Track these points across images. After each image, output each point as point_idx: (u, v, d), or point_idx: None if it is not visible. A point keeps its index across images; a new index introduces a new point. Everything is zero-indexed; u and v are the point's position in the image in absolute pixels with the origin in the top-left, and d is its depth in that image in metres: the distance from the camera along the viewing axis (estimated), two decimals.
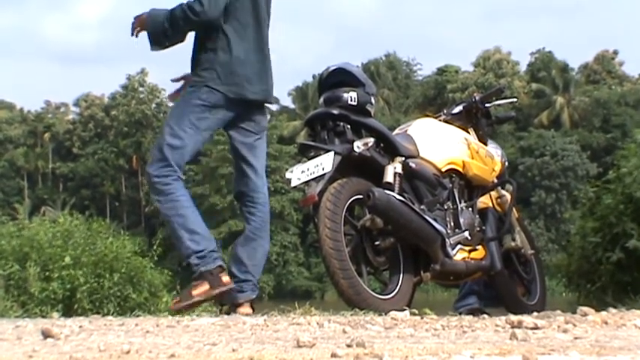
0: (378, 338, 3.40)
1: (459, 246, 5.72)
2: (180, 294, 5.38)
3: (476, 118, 6.51)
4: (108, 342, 3.28)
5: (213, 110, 5.39)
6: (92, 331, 3.93)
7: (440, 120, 6.43)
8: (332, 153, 5.22)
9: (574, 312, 4.56)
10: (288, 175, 5.44)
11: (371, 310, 4.80)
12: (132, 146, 78.30)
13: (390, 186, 5.37)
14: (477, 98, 6.54)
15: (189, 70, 5.59)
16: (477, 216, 6.10)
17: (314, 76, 70.99)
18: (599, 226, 8.09)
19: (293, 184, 5.37)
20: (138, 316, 5.24)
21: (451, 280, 5.95)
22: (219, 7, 5.31)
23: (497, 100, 6.66)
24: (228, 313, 5.23)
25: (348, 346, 3.00)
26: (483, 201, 6.26)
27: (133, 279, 9.50)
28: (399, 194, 5.35)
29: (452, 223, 5.80)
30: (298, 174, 5.34)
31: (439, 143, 5.97)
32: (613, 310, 4.92)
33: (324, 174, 5.17)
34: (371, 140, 5.38)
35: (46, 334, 3.53)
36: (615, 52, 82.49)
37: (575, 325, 3.88)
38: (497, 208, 6.37)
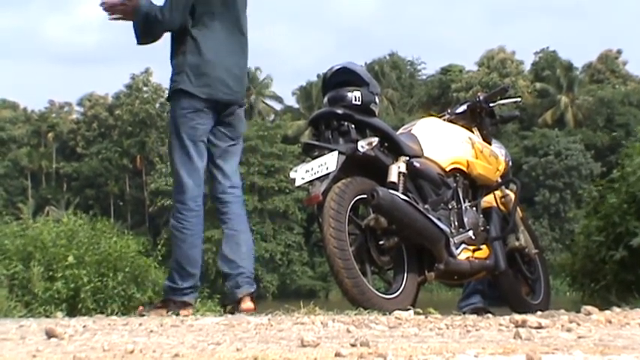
0: (382, 337, 3.40)
1: (463, 245, 5.72)
2: (147, 306, 5.81)
3: (480, 118, 6.51)
4: (112, 342, 3.28)
5: (200, 114, 5.51)
6: (96, 330, 3.93)
7: (444, 119, 6.43)
8: (336, 152, 5.22)
9: (578, 311, 4.56)
10: (292, 174, 5.45)
11: (375, 309, 4.80)
12: (136, 146, 78.31)
13: (394, 185, 5.37)
14: (481, 98, 6.54)
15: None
16: (481, 215, 6.10)
17: (318, 76, 70.88)
18: (603, 225, 8.07)
19: (297, 183, 5.37)
20: (142, 315, 5.24)
21: (455, 279, 5.95)
22: (176, 20, 5.48)
23: (501, 99, 6.66)
24: (232, 313, 5.27)
25: (352, 345, 3.00)
26: (487, 200, 6.26)
27: (137, 278, 9.50)
28: (403, 194, 5.35)
29: (456, 223, 5.80)
30: (302, 173, 5.34)
31: (443, 143, 5.97)
32: (617, 309, 4.92)
33: (329, 173, 5.17)
34: (375, 140, 5.38)
35: (50, 334, 3.53)
36: (619, 52, 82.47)
37: (579, 324, 3.87)
38: (502, 207, 6.37)
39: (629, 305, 5.78)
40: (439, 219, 5.53)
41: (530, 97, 74.32)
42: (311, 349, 2.96)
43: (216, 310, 6.05)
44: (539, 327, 3.74)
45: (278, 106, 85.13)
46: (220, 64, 5.53)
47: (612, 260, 7.61)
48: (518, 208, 6.41)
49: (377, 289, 5.20)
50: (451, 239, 5.57)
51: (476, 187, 6.17)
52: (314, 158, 5.35)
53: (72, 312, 8.28)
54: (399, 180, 5.42)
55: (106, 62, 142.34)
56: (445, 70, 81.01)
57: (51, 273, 8.94)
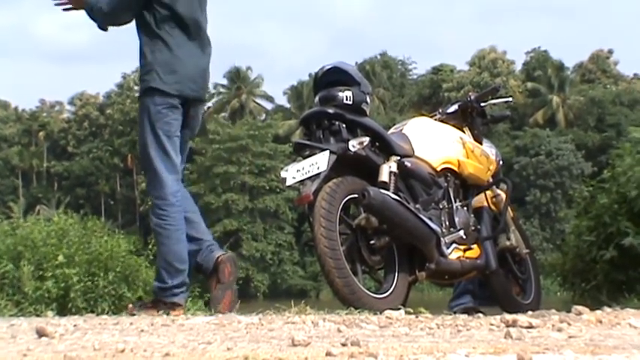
0: (373, 337, 3.40)
1: (454, 245, 5.73)
2: (136, 304, 5.71)
3: (471, 118, 6.51)
4: (102, 341, 3.28)
5: (173, 109, 5.55)
6: (87, 330, 3.93)
7: (435, 119, 6.43)
8: (327, 152, 5.22)
9: (569, 311, 4.57)
10: (283, 174, 5.44)
11: (366, 309, 4.80)
12: (127, 145, 78.19)
13: (385, 185, 5.37)
14: (473, 97, 6.55)
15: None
16: (472, 215, 6.10)
17: (309, 75, 70.91)
18: (594, 225, 8.10)
19: (288, 183, 5.37)
20: (133, 314, 5.24)
21: (446, 279, 5.95)
22: (120, 18, 5.70)
23: (492, 99, 6.67)
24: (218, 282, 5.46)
25: (343, 344, 3.00)
26: (478, 200, 6.26)
27: (127, 278, 9.47)
28: (394, 193, 5.35)
29: (447, 222, 5.81)
30: (293, 173, 5.34)
31: (434, 142, 5.98)
32: (607, 309, 4.93)
33: (320, 173, 5.17)
34: (366, 139, 5.38)
35: (41, 333, 3.52)
36: (610, 52, 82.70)
37: (569, 324, 3.88)
38: (493, 207, 6.37)
39: (619, 305, 5.79)
40: (430, 219, 5.53)
41: (522, 96, 74.42)
42: (302, 348, 2.96)
43: (207, 310, 6.03)
44: (530, 327, 3.75)
45: (269, 106, 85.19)
46: (188, 62, 5.59)
47: (603, 260, 7.64)
48: (509, 208, 6.42)
49: (368, 289, 5.21)
50: (442, 239, 5.57)
51: (467, 186, 6.17)
52: (305, 158, 5.35)
53: (62, 311, 8.26)
54: (390, 179, 5.42)
55: (97, 61, 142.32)
56: (436, 70, 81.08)
57: (41, 272, 8.91)
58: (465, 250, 5.81)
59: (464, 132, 6.36)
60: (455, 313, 5.25)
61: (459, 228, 5.82)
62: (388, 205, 5.23)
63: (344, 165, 5.32)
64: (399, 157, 5.58)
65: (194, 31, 5.64)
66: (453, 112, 6.53)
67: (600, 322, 4.10)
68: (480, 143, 6.43)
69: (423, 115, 6.55)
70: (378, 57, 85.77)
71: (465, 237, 5.82)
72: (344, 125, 5.46)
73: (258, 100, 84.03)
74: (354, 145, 5.31)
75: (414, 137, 5.90)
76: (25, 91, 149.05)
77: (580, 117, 73.88)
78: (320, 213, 5.05)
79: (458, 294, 6.68)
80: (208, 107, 79.32)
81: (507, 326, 3.77)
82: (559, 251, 12.68)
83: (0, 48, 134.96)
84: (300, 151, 5.47)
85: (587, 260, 8.06)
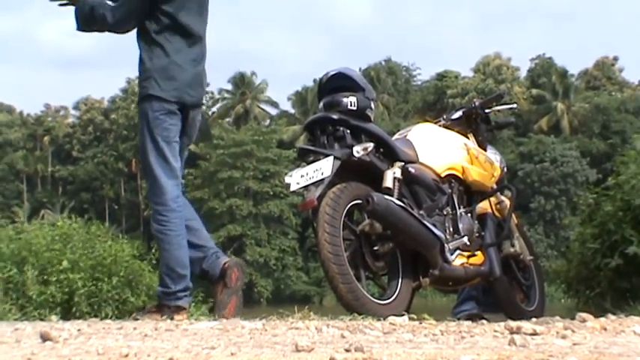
0: (377, 343, 3.40)
1: (457, 251, 5.72)
2: (139, 311, 5.79)
3: (475, 124, 6.52)
4: (106, 345, 3.28)
5: (172, 115, 5.56)
6: (91, 334, 3.93)
7: (439, 125, 6.43)
8: (331, 158, 5.23)
9: (573, 318, 4.56)
10: (287, 179, 5.45)
11: (369, 314, 4.80)
12: (131, 150, 78.18)
13: (389, 191, 5.37)
14: (477, 104, 6.56)
15: None
16: (476, 222, 6.10)
17: (314, 81, 70.93)
18: (599, 232, 8.07)
19: (292, 188, 5.38)
20: (136, 319, 5.24)
21: (450, 285, 5.95)
22: (122, 27, 5.67)
23: (496, 105, 6.67)
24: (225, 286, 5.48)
25: (347, 350, 3.00)
26: (482, 206, 6.25)
27: (131, 282, 9.46)
28: (398, 199, 5.35)
29: (451, 229, 5.80)
30: (297, 178, 5.34)
31: (438, 148, 5.98)
32: (612, 317, 4.92)
33: (324, 178, 5.18)
34: (370, 145, 5.38)
35: (45, 338, 3.52)
36: (615, 59, 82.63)
37: (573, 332, 3.87)
38: (497, 213, 6.36)
39: (624, 312, 5.78)
40: (434, 225, 5.53)
41: (526, 103, 74.41)
42: (305, 354, 2.96)
43: (211, 315, 6.03)
44: (534, 334, 3.74)
45: (273, 111, 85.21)
46: (186, 68, 5.60)
47: (607, 268, 7.61)
48: (513, 215, 6.42)
49: (371, 295, 5.20)
50: (446, 245, 5.57)
51: (471, 193, 6.17)
52: (309, 163, 5.36)
53: (66, 316, 8.26)
54: (394, 185, 5.42)
55: (101, 66, 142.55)
56: (441, 76, 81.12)
57: (45, 277, 8.91)
58: (468, 257, 5.81)
59: (468, 138, 6.36)
60: (459, 319, 5.24)
61: (462, 234, 5.81)
62: (392, 211, 5.23)
63: (348, 171, 5.32)
64: (403, 163, 5.58)
65: (193, 38, 5.65)
66: (457, 119, 6.53)
67: (605, 329, 4.10)
68: (485, 150, 6.43)
69: (427, 121, 6.56)
70: (383, 63, 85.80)
71: (468, 243, 5.81)
72: (348, 131, 5.47)
73: (263, 106, 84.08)
74: (358, 150, 5.31)
75: (418, 143, 5.90)
76: (30, 96, 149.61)
77: (585, 124, 73.83)
78: (324, 218, 5.06)
79: (462, 300, 6.68)
80: (212, 112, 79.42)
81: (511, 333, 3.77)
82: (563, 258, 12.64)
83: (5, 53, 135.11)
84: (305, 157, 5.48)
85: (592, 268, 8.03)
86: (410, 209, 5.40)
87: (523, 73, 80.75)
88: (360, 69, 77.74)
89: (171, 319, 5.17)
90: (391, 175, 5.46)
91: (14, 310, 8.18)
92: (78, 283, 8.84)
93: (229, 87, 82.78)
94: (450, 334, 3.84)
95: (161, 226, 5.47)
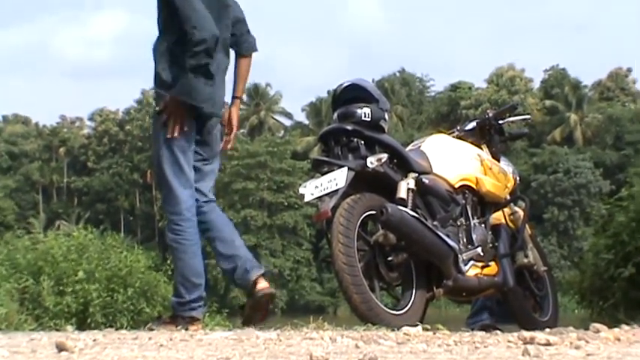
0: (391, 353, 3.41)
1: (471, 262, 5.72)
2: (154, 321, 5.65)
3: (489, 135, 6.52)
4: (122, 356, 3.30)
5: (187, 125, 5.48)
6: (106, 344, 3.94)
7: (453, 136, 6.44)
8: (345, 168, 5.24)
9: (586, 328, 4.56)
10: (301, 190, 5.46)
11: (383, 325, 4.80)
12: (146, 161, 78.27)
13: (403, 202, 5.38)
14: (491, 115, 6.56)
15: None
16: (490, 232, 6.10)
17: (328, 92, 70.90)
18: (612, 243, 8.06)
19: (306, 199, 5.39)
20: (151, 330, 5.26)
21: (464, 296, 5.95)
22: (210, 29, 5.33)
23: (510, 116, 6.68)
24: (249, 308, 5.45)
25: None
26: (496, 217, 6.25)
27: (146, 293, 9.51)
28: (412, 210, 5.36)
29: (464, 239, 5.81)
30: (312, 189, 5.36)
31: (452, 159, 5.98)
32: (625, 327, 4.92)
33: (338, 189, 5.19)
34: (384, 156, 5.39)
35: (61, 348, 3.54)
36: (629, 70, 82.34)
37: (587, 342, 3.88)
38: (510, 224, 6.36)
39: (637, 323, 5.77)
40: (448, 235, 5.53)
41: (540, 114, 74.23)
42: None
43: (226, 325, 6.05)
44: (548, 344, 3.75)
45: (287, 122, 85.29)
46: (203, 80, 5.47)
47: (621, 278, 7.61)
48: (526, 225, 6.41)
49: (385, 305, 5.21)
50: (459, 256, 5.57)
51: (484, 203, 6.17)
52: (323, 174, 5.37)
53: (82, 326, 8.30)
54: (407, 196, 5.43)
55: (116, 77, 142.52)
56: (454, 87, 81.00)
57: (61, 287, 8.96)
58: (482, 267, 5.81)
59: (482, 149, 6.37)
60: (472, 330, 5.24)
61: (476, 245, 5.81)
62: (406, 221, 5.24)
63: (362, 181, 5.33)
64: (417, 174, 5.59)
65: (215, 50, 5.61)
66: (471, 130, 6.54)
67: (618, 339, 4.10)
68: (498, 160, 6.43)
69: (441, 132, 6.56)
70: (397, 74, 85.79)
71: (482, 254, 5.82)
72: (362, 142, 5.48)
73: (277, 117, 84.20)
74: (372, 161, 5.32)
75: (432, 154, 5.90)
76: (45, 107, 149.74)
77: (598, 135, 73.63)
78: (338, 229, 5.07)
79: (475, 311, 6.68)
80: None
81: (525, 343, 3.77)
82: (577, 269, 12.62)
83: (21, 65, 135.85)
84: (319, 168, 5.49)
85: (605, 278, 8.03)
86: (424, 220, 5.41)
87: (536, 85, 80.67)
88: (373, 80, 77.68)
89: (186, 329, 5.18)
90: (405, 185, 5.47)
91: (30, 320, 8.23)
92: (93, 294, 8.88)
93: (244, 98, 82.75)
94: (463, 345, 3.85)
95: (176, 235, 5.47)
